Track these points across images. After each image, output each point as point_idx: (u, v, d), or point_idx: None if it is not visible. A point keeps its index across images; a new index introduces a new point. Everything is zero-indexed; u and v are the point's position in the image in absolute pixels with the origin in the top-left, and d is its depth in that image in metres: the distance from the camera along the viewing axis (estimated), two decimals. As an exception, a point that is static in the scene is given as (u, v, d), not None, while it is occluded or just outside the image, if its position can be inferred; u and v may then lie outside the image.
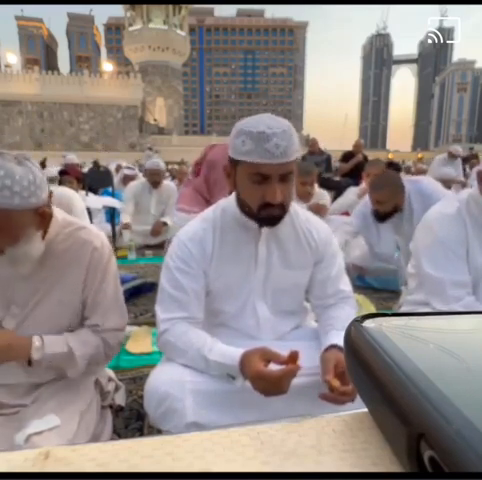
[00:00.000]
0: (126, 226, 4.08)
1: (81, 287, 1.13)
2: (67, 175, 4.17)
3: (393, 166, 4.83)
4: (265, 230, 1.15)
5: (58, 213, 1.13)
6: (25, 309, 1.10)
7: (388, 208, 2.44)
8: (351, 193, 3.81)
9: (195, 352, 1.07)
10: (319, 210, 3.15)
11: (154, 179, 4.29)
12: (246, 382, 1.02)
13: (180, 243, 1.17)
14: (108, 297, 1.17)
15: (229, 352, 1.04)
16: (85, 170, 6.40)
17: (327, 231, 1.26)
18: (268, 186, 1.02)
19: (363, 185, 3.71)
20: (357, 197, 3.59)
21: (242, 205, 1.11)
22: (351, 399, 0.96)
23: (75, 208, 2.44)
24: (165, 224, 4.16)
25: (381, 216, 2.51)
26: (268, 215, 1.06)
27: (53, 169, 5.23)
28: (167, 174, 9.02)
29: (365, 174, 3.68)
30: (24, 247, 1.00)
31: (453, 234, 1.41)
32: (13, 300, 1.10)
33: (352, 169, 5.83)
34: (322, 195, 3.44)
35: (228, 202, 1.20)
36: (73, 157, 6.30)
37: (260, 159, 0.99)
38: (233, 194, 1.19)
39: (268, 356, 1.00)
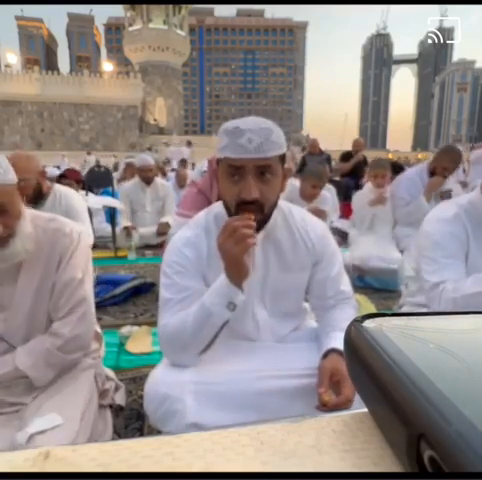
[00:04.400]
0: (132, 227, 4.07)
1: (54, 271, 1.16)
2: (66, 178, 4.18)
3: (396, 167, 4.66)
4: (260, 234, 1.11)
5: (26, 211, 1.14)
6: (10, 311, 1.12)
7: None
8: (362, 203, 3.44)
9: (193, 310, 1.05)
10: (318, 215, 3.10)
11: (146, 175, 4.22)
12: (247, 379, 1.01)
13: (175, 249, 1.15)
14: (71, 278, 1.16)
15: (216, 282, 1.05)
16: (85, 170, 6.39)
17: (324, 229, 1.25)
18: (243, 182, 0.99)
19: (369, 184, 3.48)
20: (370, 205, 3.36)
21: (225, 206, 1.08)
22: (346, 409, 0.96)
23: (74, 208, 2.43)
24: (168, 224, 4.16)
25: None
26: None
27: (54, 170, 5.23)
28: (171, 175, 8.90)
29: (372, 174, 3.44)
30: (24, 223, 1.07)
31: (450, 236, 1.40)
32: (5, 306, 1.12)
33: (352, 169, 5.84)
34: (325, 199, 3.34)
35: (220, 207, 1.17)
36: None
37: (233, 154, 0.98)
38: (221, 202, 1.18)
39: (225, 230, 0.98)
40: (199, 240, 1.15)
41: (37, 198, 2.29)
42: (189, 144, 12.80)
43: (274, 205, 1.07)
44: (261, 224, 1.05)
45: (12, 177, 1.02)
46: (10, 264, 1.09)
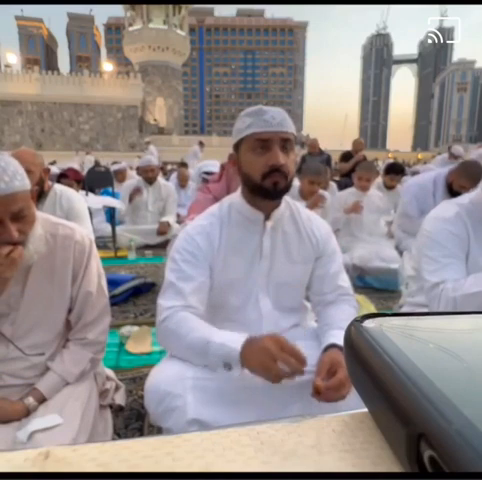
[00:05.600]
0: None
1: (70, 282, 1.17)
2: (66, 178, 4.17)
3: (396, 168, 4.45)
4: (269, 223, 1.18)
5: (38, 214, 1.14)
6: (18, 314, 1.12)
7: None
8: (338, 206, 3.44)
9: (195, 336, 1.06)
10: (318, 200, 3.09)
11: (148, 176, 4.30)
12: (244, 372, 1.02)
13: (188, 237, 1.19)
14: (92, 288, 1.21)
15: (234, 335, 1.04)
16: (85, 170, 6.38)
17: (327, 229, 1.30)
18: (270, 152, 1.09)
19: (352, 189, 3.49)
20: (344, 213, 3.36)
21: (247, 182, 1.15)
22: (342, 395, 0.96)
23: (75, 208, 2.42)
24: (168, 224, 4.17)
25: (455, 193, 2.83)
26: (272, 182, 1.10)
27: (54, 168, 5.22)
28: (174, 174, 8.88)
29: (357, 176, 3.45)
30: (36, 226, 1.06)
31: (451, 236, 1.40)
32: (12, 307, 1.11)
33: (352, 169, 5.83)
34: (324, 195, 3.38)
35: (233, 198, 1.24)
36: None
37: (260, 128, 1.09)
38: (238, 190, 1.22)
39: (280, 341, 0.97)
40: (213, 229, 1.20)
41: (38, 195, 2.27)
42: (201, 145, 12.77)
43: (292, 178, 1.16)
44: (285, 190, 1.15)
45: (28, 182, 1.03)
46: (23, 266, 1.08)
